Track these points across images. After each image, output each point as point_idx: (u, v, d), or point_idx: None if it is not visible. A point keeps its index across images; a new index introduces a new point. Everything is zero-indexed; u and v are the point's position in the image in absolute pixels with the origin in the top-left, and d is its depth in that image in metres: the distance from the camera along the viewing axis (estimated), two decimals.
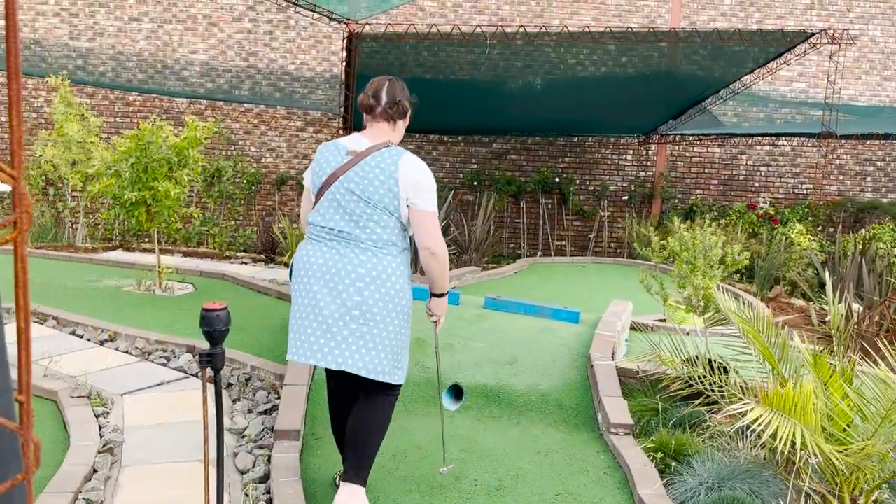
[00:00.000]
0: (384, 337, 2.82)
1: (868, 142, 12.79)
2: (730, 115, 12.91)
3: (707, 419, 3.60)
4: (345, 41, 8.17)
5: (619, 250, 12.98)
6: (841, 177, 13.09)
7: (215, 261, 8.34)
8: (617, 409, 3.80)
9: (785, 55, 9.05)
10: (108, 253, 8.38)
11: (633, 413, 3.95)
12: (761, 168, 13.04)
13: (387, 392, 2.93)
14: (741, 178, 13.01)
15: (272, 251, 8.38)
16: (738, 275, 8.67)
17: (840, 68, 11.27)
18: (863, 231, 9.28)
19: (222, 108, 12.94)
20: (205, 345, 4.44)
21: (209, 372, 2.45)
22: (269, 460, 3.28)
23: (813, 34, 8.42)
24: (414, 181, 2.80)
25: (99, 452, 3.26)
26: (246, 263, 8.14)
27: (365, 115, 2.95)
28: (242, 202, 12.39)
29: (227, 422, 3.78)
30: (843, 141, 12.40)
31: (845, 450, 2.71)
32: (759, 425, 2.53)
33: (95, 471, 3.12)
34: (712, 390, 3.29)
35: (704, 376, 3.28)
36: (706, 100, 10.04)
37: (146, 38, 12.76)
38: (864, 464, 2.76)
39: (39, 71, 12.25)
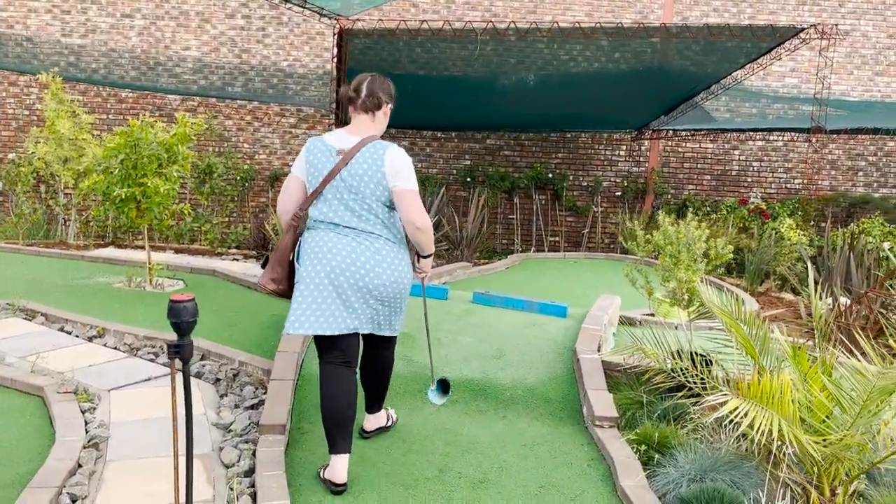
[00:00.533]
0: (396, 310, 3.35)
1: (860, 137, 12.83)
2: (722, 111, 12.93)
3: (690, 411, 3.62)
4: (335, 37, 8.16)
5: (612, 245, 13.00)
6: (833, 172, 13.12)
7: (207, 257, 8.35)
8: (602, 402, 3.82)
9: (776, 50, 9.07)
10: (100, 250, 8.37)
11: (619, 406, 3.97)
12: (754, 163, 13.06)
13: (392, 345, 3.54)
14: (734, 173, 13.04)
15: (264, 248, 8.39)
16: (729, 269, 8.70)
17: (831, 63, 11.29)
18: (852, 225, 9.31)
19: (215, 105, 12.93)
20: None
21: (178, 363, 2.45)
22: (254, 454, 3.30)
23: (802, 29, 8.44)
24: (396, 169, 3.13)
25: (84, 448, 3.27)
26: (237, 260, 8.15)
27: (349, 107, 3.25)
28: (235, 199, 12.39)
29: (213, 417, 3.80)
30: (833, 136, 12.42)
31: (824, 440, 2.74)
32: (737, 416, 2.55)
33: (80, 466, 3.14)
34: (694, 383, 3.31)
35: (687, 369, 3.30)
36: (698, 95, 10.06)
37: (138, 34, 12.73)
38: (843, 454, 2.79)
39: (31, 68, 12.23)
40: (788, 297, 7.78)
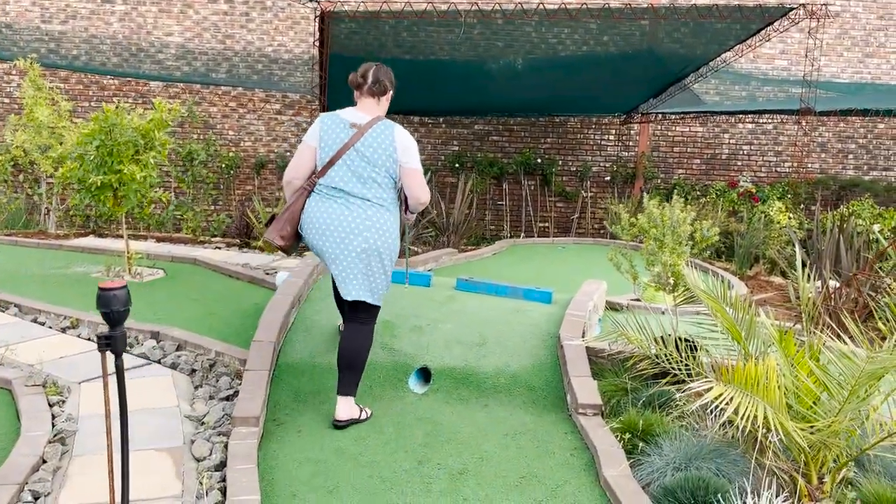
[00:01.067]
0: (380, 274, 3.58)
1: (849, 119, 12.76)
2: (712, 94, 12.82)
3: (675, 398, 3.54)
4: (317, 20, 8.00)
5: (602, 231, 12.91)
6: (823, 155, 13.06)
7: (189, 246, 8.21)
8: (586, 389, 3.73)
9: (765, 31, 8.96)
10: (80, 239, 8.22)
11: (603, 393, 3.89)
12: (744, 147, 12.98)
13: (373, 318, 3.69)
14: (724, 156, 12.96)
15: (247, 236, 8.25)
16: (718, 253, 8.61)
17: (821, 45, 11.20)
18: (841, 208, 9.24)
19: (199, 92, 12.73)
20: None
21: (110, 356, 2.34)
22: (226, 447, 3.20)
23: (792, 9, 8.33)
24: (406, 146, 3.57)
25: (49, 442, 3.16)
26: (220, 248, 8.01)
27: (355, 91, 3.65)
28: (217, 186, 12.22)
29: (186, 409, 3.69)
30: (823, 118, 12.34)
31: (811, 427, 2.65)
32: (721, 403, 2.46)
33: (44, 461, 3.03)
34: (679, 369, 3.22)
35: (671, 355, 3.21)
36: (687, 77, 9.94)
37: (119, 20, 12.51)
38: (831, 441, 2.71)
39: (10, 55, 11.98)
40: (778, 280, 7.71)
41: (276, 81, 12.76)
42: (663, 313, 5.05)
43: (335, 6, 7.94)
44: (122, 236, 9.02)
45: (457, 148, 12.79)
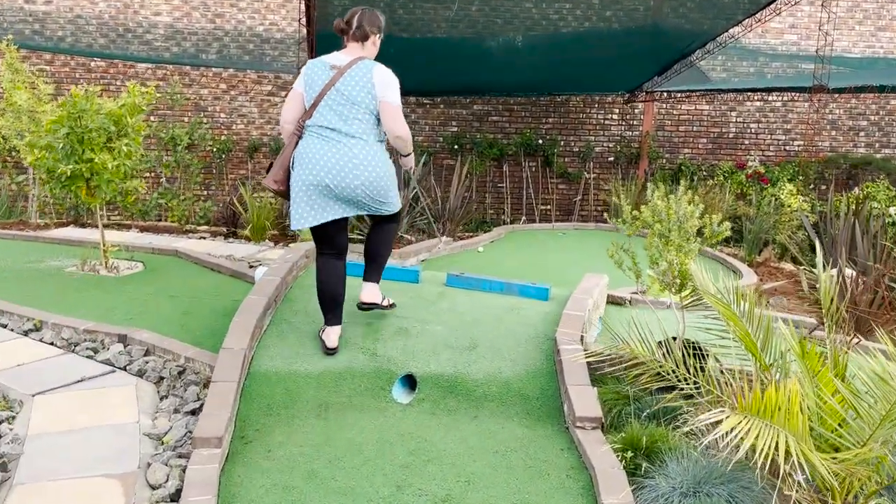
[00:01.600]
0: (383, 199, 3.78)
1: (861, 95, 12.32)
2: (719, 71, 12.40)
3: (683, 410, 3.21)
4: None
5: (605, 213, 12.55)
6: (833, 132, 12.66)
7: (174, 235, 7.88)
8: (584, 400, 3.41)
9: (775, 5, 8.54)
10: (59, 230, 7.90)
11: (604, 402, 3.57)
12: (752, 125, 12.58)
13: (395, 219, 4.05)
14: (731, 135, 12.56)
15: (233, 224, 7.92)
16: (726, 239, 8.25)
17: (833, 18, 10.74)
18: (856, 190, 8.85)
19: (189, 73, 12.36)
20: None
21: None
22: (185, 471, 2.89)
23: None
24: (385, 82, 3.69)
25: None
26: (205, 238, 7.68)
27: (343, 37, 3.81)
28: (209, 171, 11.89)
29: (147, 425, 3.38)
30: (834, 95, 11.91)
31: (835, 458, 2.32)
32: (737, 435, 2.13)
33: None
34: (686, 383, 2.89)
35: (677, 370, 2.88)
36: (693, 53, 9.52)
37: None
38: (860, 471, 2.38)
39: None
40: (788, 267, 7.36)
41: (268, 62, 12.37)
42: (668, 307, 4.72)
43: None
44: (105, 225, 8.73)
45: (455, 129, 12.42)
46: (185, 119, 12.25)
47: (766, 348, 2.77)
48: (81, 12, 12.10)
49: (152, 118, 11.92)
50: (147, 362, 4.04)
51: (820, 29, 9.89)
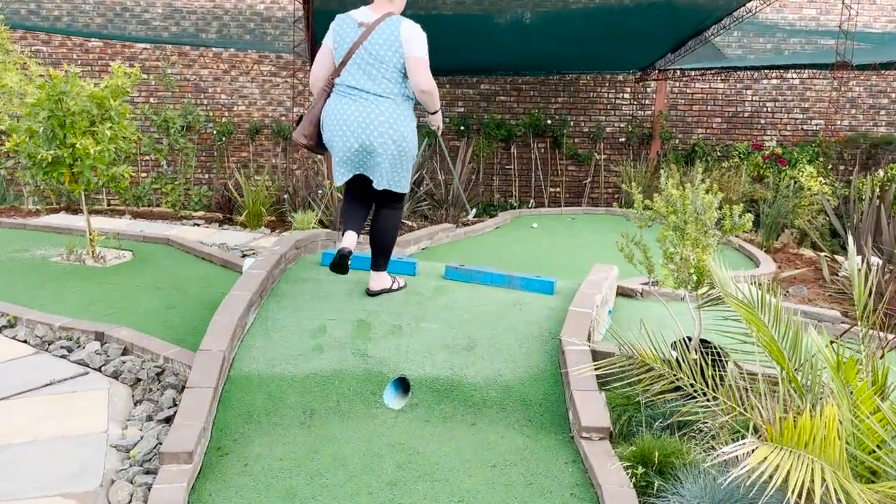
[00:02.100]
0: (397, 165, 3.83)
1: (883, 72, 11.86)
2: (734, 47, 11.97)
3: (700, 419, 2.92)
4: None
5: (616, 195, 12.20)
6: (853, 111, 12.22)
7: (168, 222, 7.62)
8: (591, 407, 3.12)
9: None
10: (49, 216, 7.64)
11: (612, 407, 3.28)
12: (768, 104, 12.16)
13: (398, 204, 4.04)
14: (746, 114, 12.15)
15: (229, 210, 7.63)
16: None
17: None
18: (880, 171, 8.47)
19: (188, 54, 12.05)
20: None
21: None
22: (150, 490, 2.63)
23: None
24: (411, 38, 3.71)
25: None
26: (199, 225, 7.40)
27: None
28: (207, 154, 11.63)
29: (116, 434, 3.12)
30: (854, 72, 11.45)
31: (874, 489, 2.03)
32: (766, 468, 1.84)
33: None
34: (705, 395, 2.59)
35: (693, 379, 2.58)
36: (708, 30, 9.11)
37: None
38: None
39: None
40: (808, 253, 7.02)
41: (269, 41, 12.04)
42: (682, 299, 4.40)
43: None
44: (98, 212, 8.48)
45: (462, 109, 12.06)
46: (185, 101, 11.97)
47: (794, 356, 2.47)
48: None
49: (152, 100, 11.67)
50: (124, 362, 3.78)
51: (843, 3, 9.44)
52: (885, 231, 5.98)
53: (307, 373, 3.45)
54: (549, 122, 11.90)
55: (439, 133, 4.37)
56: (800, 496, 1.78)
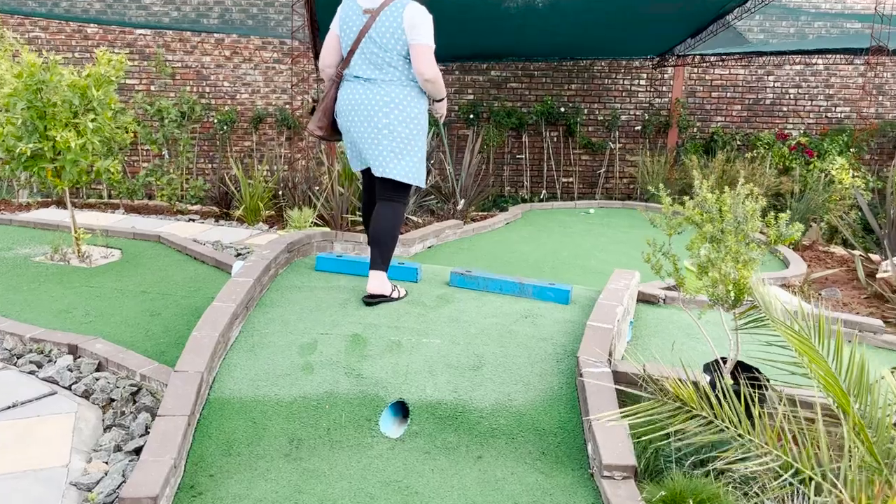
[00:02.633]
0: (402, 151, 3.68)
1: None
2: (756, 32, 11.48)
3: (745, 465, 2.54)
4: None
5: (631, 185, 11.78)
6: (881, 98, 11.71)
7: (163, 217, 7.26)
8: (612, 440, 2.75)
9: None
10: (39, 211, 7.31)
11: (637, 437, 2.91)
12: (790, 90, 11.68)
13: (399, 197, 3.81)
14: (767, 102, 11.67)
15: (226, 204, 7.28)
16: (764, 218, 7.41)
17: None
18: None
19: (190, 40, 11.70)
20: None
21: None
22: None
23: None
24: (414, 23, 3.55)
25: None
26: (193, 220, 7.04)
27: None
28: (210, 143, 11.30)
29: (78, 469, 2.78)
30: (884, 57, 10.94)
31: None
32: None
33: None
34: (738, 435, 2.22)
35: (737, 424, 2.20)
36: (731, 13, 8.64)
37: None
38: None
39: None
40: (839, 251, 6.60)
41: (272, 27, 11.65)
42: (710, 306, 4.02)
43: None
44: (90, 205, 8.16)
45: (471, 97, 11.65)
46: (187, 89, 11.62)
47: (860, 397, 2.09)
48: None
49: (152, 88, 11.33)
50: (97, 380, 3.44)
51: None
52: None
53: (295, 396, 3.10)
54: (562, 109, 11.47)
55: (441, 121, 4.14)
56: None
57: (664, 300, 4.51)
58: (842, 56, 10.62)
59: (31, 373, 3.54)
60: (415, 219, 6.54)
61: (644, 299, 4.47)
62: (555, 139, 11.71)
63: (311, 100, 11.33)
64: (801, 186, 7.15)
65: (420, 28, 3.54)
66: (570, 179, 11.82)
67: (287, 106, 11.51)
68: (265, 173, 7.74)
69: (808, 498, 1.86)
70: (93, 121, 4.99)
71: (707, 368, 2.99)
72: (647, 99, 11.63)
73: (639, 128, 11.63)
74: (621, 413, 2.56)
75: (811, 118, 11.63)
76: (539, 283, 3.92)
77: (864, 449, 1.88)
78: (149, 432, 3.00)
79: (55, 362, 3.62)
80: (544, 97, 11.53)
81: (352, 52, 3.63)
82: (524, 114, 11.45)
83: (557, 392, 3.12)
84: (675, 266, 2.90)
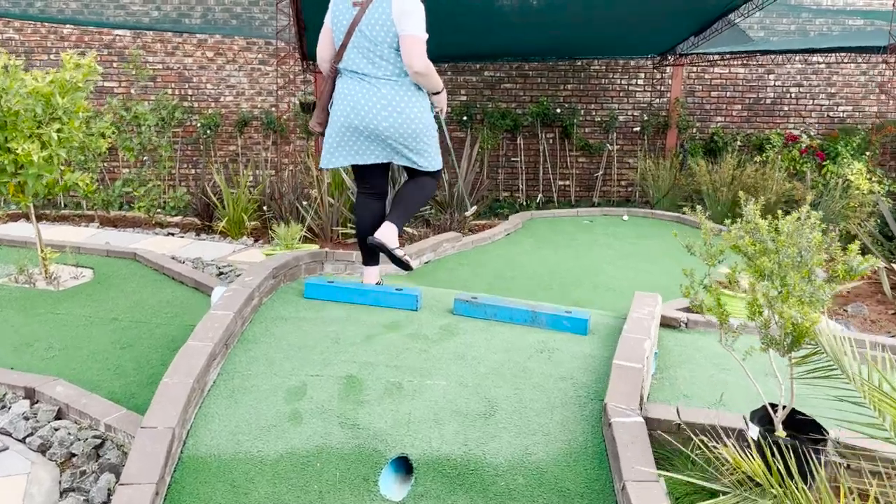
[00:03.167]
0: (417, 148, 3.59)
1: None
2: (756, 29, 11.15)
3: None
4: None
5: (629, 188, 11.43)
6: (883, 96, 11.42)
7: (140, 230, 6.82)
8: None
9: None
10: (8, 225, 6.84)
11: (676, 498, 2.54)
12: (791, 89, 11.36)
13: (431, 176, 3.77)
14: (768, 101, 11.36)
15: (207, 216, 6.84)
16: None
17: None
18: None
19: (171, 40, 11.25)
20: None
21: None
22: None
23: None
24: (402, 11, 3.40)
25: None
26: (173, 234, 6.59)
27: None
28: (193, 148, 10.88)
29: None
30: (883, 55, 10.63)
31: None
32: None
33: None
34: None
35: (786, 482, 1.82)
36: (737, 9, 8.28)
37: None
38: None
39: None
40: None
41: (257, 27, 11.23)
42: (737, 331, 3.65)
43: None
44: (64, 219, 7.70)
45: (464, 98, 11.26)
46: (169, 91, 11.19)
47: None
48: None
49: (132, 91, 10.89)
50: (56, 430, 3.03)
51: None
52: None
53: (282, 452, 2.69)
54: (558, 110, 11.10)
55: (442, 116, 3.93)
56: None
57: (685, 324, 4.13)
58: (842, 54, 10.29)
59: None
60: (410, 230, 6.14)
61: (664, 323, 4.09)
62: (551, 141, 11.35)
63: (297, 102, 10.92)
64: (818, 192, 6.80)
65: (410, 18, 3.41)
66: (567, 182, 11.46)
67: (273, 109, 11.08)
68: (250, 180, 7.31)
69: None
70: (58, 131, 4.56)
71: (754, 418, 2.61)
72: (646, 99, 11.28)
73: (637, 129, 11.28)
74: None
75: (812, 118, 11.32)
76: (553, 311, 3.52)
77: None
78: (111, 498, 2.59)
79: (9, 409, 3.20)
80: (539, 98, 11.16)
81: (343, 47, 3.54)
82: (519, 115, 11.08)
83: (582, 444, 2.73)
84: (718, 301, 2.51)
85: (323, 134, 3.75)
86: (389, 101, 3.49)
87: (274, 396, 2.94)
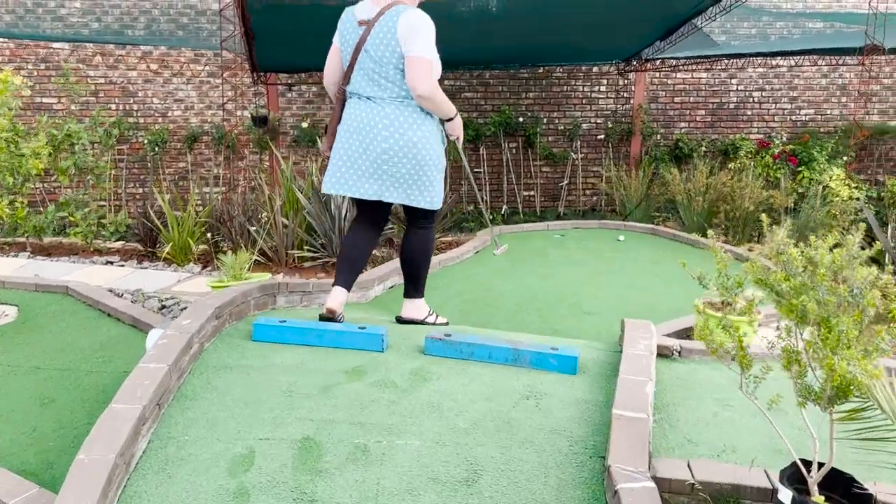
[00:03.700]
0: (417, 179, 3.42)
1: (875, 57, 10.99)
2: (717, 33, 11.00)
3: None
4: None
5: (594, 197, 11.14)
6: (844, 99, 11.36)
7: (77, 259, 6.24)
8: None
9: None
10: None
11: None
12: (754, 93, 11.24)
13: (425, 223, 3.65)
14: (731, 105, 11.22)
15: (151, 242, 6.29)
16: (755, 235, 6.78)
17: None
18: None
19: (113, 53, 10.65)
20: None
21: None
22: None
23: None
24: (408, 31, 3.27)
25: None
26: (112, 263, 6.03)
27: None
28: (140, 165, 10.28)
29: None
30: (845, 57, 10.55)
31: None
32: None
33: None
34: None
35: None
36: (704, 13, 8.04)
37: None
38: None
39: None
40: None
41: (205, 38, 10.70)
42: (749, 364, 3.28)
43: None
44: (5, 245, 7.06)
45: None
46: (112, 107, 10.59)
47: None
48: None
49: (73, 107, 10.26)
50: None
51: None
52: None
53: None
54: (520, 119, 10.78)
55: (459, 144, 3.73)
56: None
57: (679, 352, 3.75)
58: (802, 57, 10.17)
59: None
60: (375, 251, 5.69)
61: (657, 352, 3.71)
62: (514, 151, 11.02)
63: (249, 115, 10.40)
64: (796, 199, 6.54)
65: (416, 37, 3.25)
66: (532, 193, 11.14)
67: (224, 123, 10.55)
68: (197, 200, 6.78)
69: None
70: None
71: (784, 477, 2.23)
72: (609, 106, 11.03)
73: (601, 136, 11.02)
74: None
75: (775, 121, 11.21)
76: (538, 349, 3.11)
77: None
78: None
79: None
80: (501, 107, 10.83)
81: (350, 68, 3.43)
82: (481, 125, 10.73)
83: None
84: (740, 344, 2.13)
85: None
86: (392, 121, 3.35)
87: (216, 468, 2.46)
